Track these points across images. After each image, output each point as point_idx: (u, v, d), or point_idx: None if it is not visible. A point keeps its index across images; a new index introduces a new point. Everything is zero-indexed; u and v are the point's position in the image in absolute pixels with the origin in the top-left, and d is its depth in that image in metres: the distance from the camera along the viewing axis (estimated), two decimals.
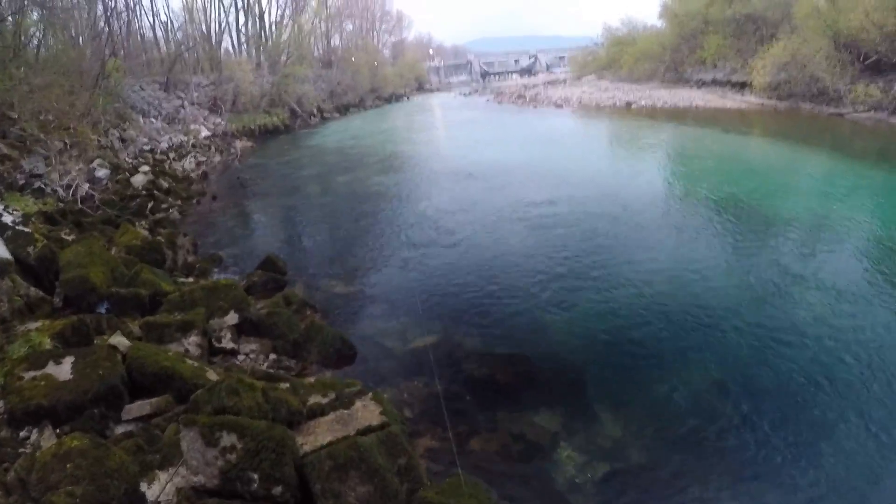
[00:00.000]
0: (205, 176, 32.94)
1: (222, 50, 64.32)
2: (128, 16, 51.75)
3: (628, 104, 62.61)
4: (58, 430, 7.56)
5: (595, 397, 10.25)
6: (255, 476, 6.52)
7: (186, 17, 59.23)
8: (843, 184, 24.84)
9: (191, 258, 17.05)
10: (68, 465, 6.08)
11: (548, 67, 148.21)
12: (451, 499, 7.03)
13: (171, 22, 60.99)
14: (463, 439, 9.23)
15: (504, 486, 8.19)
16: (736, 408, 9.69)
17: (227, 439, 6.58)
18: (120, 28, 49.48)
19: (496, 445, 9.13)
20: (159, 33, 60.49)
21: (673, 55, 75.64)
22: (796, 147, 34.03)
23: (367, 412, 8.10)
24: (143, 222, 20.65)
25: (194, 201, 26.17)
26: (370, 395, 8.57)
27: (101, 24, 41.18)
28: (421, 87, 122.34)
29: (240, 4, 67.71)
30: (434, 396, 10.37)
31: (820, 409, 9.52)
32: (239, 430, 6.66)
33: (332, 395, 8.62)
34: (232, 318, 11.52)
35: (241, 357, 10.95)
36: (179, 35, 58.86)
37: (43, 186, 20.98)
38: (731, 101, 57.10)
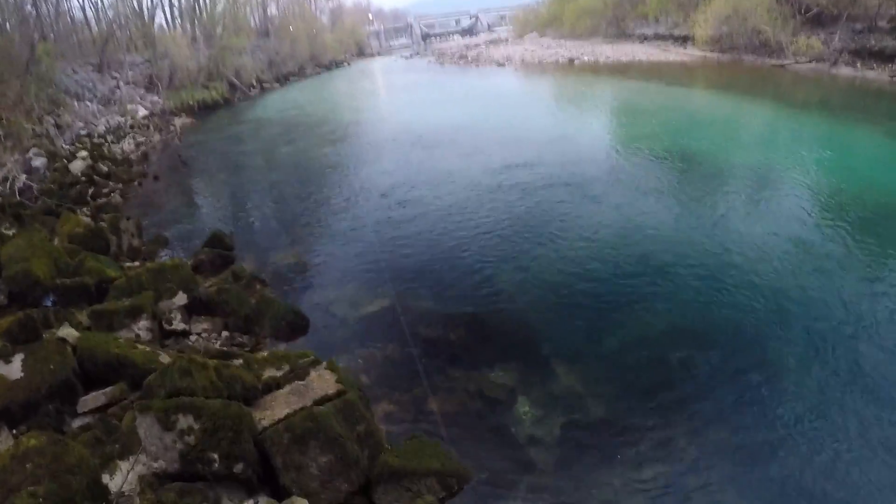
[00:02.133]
0: (145, 156, 32.25)
1: (156, 26, 62.63)
2: None
3: (571, 60, 62.61)
4: (14, 431, 7.50)
5: (551, 352, 10.44)
6: (215, 456, 6.54)
7: None
8: (787, 133, 25.45)
9: (136, 242, 16.77)
10: (28, 465, 6.03)
11: (489, 27, 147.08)
12: (412, 460, 7.15)
13: (101, 0, 59.08)
14: (420, 401, 9.39)
15: (464, 443, 8.35)
16: (688, 356, 9.98)
17: (184, 421, 6.59)
18: (48, 10, 47.81)
19: (454, 405, 9.27)
20: (89, 13, 58.58)
21: (615, 10, 75.89)
22: (739, 98, 34.50)
23: (322, 382, 8.15)
24: (85, 209, 20.27)
25: (136, 183, 25.61)
26: (324, 364, 8.63)
27: (28, 7, 39.78)
28: (361, 53, 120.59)
29: None
30: (389, 361, 10.54)
31: (769, 354, 9.85)
32: (194, 411, 6.66)
33: (287, 368, 8.65)
34: (181, 298, 11.43)
35: (193, 337, 10.90)
36: (110, 13, 56.92)
37: None
38: (674, 54, 57.53)
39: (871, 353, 9.65)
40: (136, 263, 14.81)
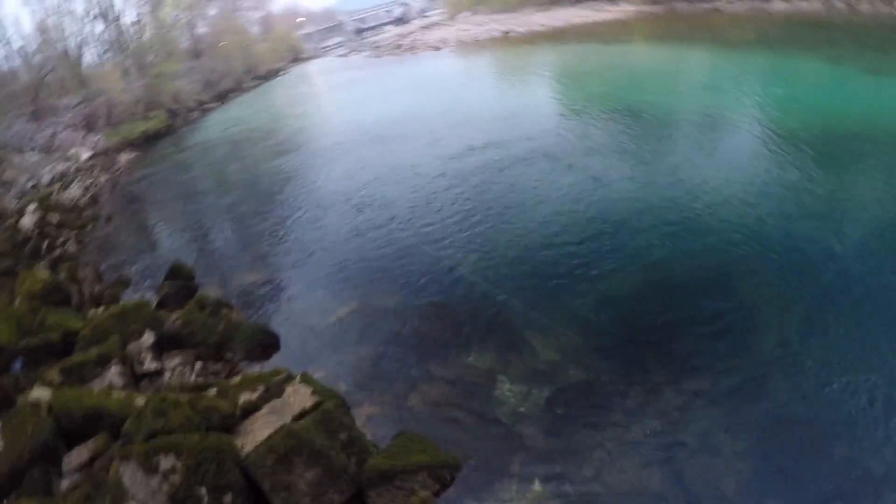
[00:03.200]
0: (95, 199, 31.74)
1: (85, 64, 61.72)
2: None
3: (506, 34, 62.62)
4: (4, 502, 7.45)
5: (525, 327, 10.53)
6: (203, 490, 6.57)
7: (42, 38, 56.39)
8: (729, 74, 25.85)
9: (97, 287, 16.54)
10: None
11: (421, 12, 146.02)
12: (400, 459, 7.21)
13: (27, 47, 57.96)
14: (401, 398, 9.43)
15: (450, 432, 8.41)
16: (662, 308, 10.18)
17: (166, 462, 6.61)
18: None
19: (435, 396, 9.32)
20: (16, 62, 57.55)
21: None
22: (678, 46, 35.01)
23: (298, 396, 8.18)
24: (43, 263, 19.95)
25: (89, 228, 25.17)
26: (298, 378, 8.66)
27: None
28: (297, 58, 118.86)
29: (94, 12, 64.94)
30: (365, 363, 10.55)
31: (743, 294, 10.09)
32: (174, 449, 6.68)
33: (262, 389, 8.65)
34: (148, 338, 11.33)
35: (167, 374, 10.81)
36: (39, 59, 56.10)
37: None
38: (608, 13, 57.70)
39: (848, 271, 10.02)
40: (101, 309, 14.67)
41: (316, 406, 7.84)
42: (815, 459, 7.02)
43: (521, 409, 8.66)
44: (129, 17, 69.43)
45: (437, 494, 7.21)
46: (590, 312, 10.49)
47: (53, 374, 10.58)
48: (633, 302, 10.49)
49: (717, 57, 30.02)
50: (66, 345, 11.72)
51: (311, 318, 12.54)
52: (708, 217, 12.69)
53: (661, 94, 23.63)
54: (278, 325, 12.30)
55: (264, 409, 8.10)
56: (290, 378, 8.79)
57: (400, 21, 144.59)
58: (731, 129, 17.89)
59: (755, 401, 7.90)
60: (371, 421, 8.96)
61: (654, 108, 21.75)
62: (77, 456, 8.12)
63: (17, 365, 11.16)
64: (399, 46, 78.45)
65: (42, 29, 56.19)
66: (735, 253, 11.22)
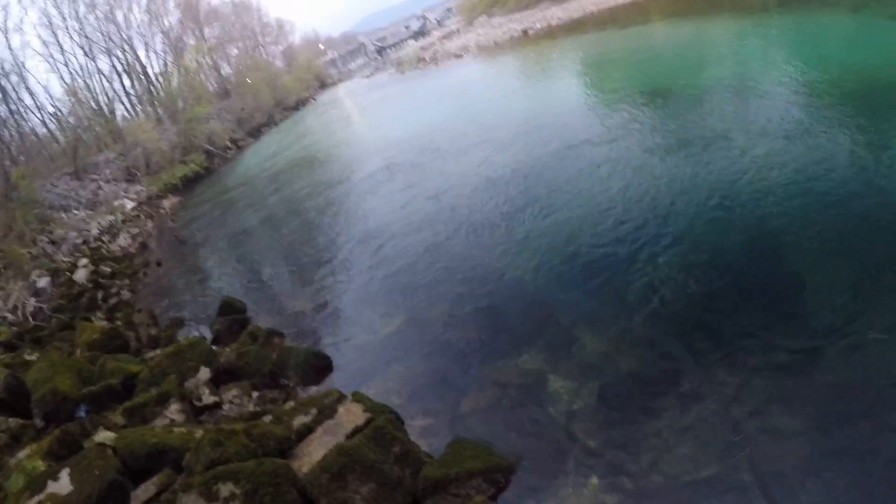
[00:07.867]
0: (143, 246, 32.59)
1: (119, 118, 63.35)
2: (15, 121, 50.80)
3: (525, 32, 62.44)
4: None
5: (571, 322, 10.52)
6: None
7: (72, 99, 58.08)
8: (752, 40, 25.55)
9: (153, 331, 17.03)
10: None
11: (439, 23, 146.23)
12: (453, 466, 7.29)
13: (59, 110, 59.63)
14: (454, 405, 9.50)
15: (503, 436, 8.44)
16: (709, 290, 10.00)
17: (225, 489, 6.81)
18: (11, 136, 48.48)
19: (487, 401, 9.36)
20: (51, 125, 59.29)
21: None
22: (697, 20, 34.61)
23: (350, 415, 8.37)
24: (99, 313, 20.52)
25: (141, 274, 25.87)
26: (350, 397, 8.84)
27: None
28: (323, 84, 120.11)
29: (120, 68, 66.71)
30: (416, 375, 10.66)
31: (796, 266, 9.82)
32: (232, 476, 6.89)
33: (315, 411, 8.84)
34: (204, 373, 11.66)
35: (226, 406, 11.08)
36: (73, 120, 57.67)
37: None
38: None
39: None
40: (158, 351, 15.07)
41: (368, 423, 8.02)
42: (879, 429, 6.72)
43: (574, 406, 8.60)
44: (154, 69, 71.03)
45: (493, 498, 7.26)
46: (637, 300, 10.38)
47: (117, 416, 10.97)
48: (679, 285, 10.33)
49: (738, 25, 29.47)
50: (127, 388, 12.10)
51: (360, 337, 12.75)
52: (751, 189, 12.44)
53: (688, 72, 23.41)
54: (329, 347, 12.54)
55: (318, 431, 8.29)
56: (342, 398, 8.98)
57: (419, 34, 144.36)
58: (764, 98, 17.46)
59: (812, 373, 7.68)
60: (424, 431, 9.05)
61: (684, 87, 21.51)
62: (144, 492, 8.34)
63: (82, 411, 11.53)
64: (422, 59, 78.59)
65: (72, 91, 57.71)
66: (780, 223, 10.97)
